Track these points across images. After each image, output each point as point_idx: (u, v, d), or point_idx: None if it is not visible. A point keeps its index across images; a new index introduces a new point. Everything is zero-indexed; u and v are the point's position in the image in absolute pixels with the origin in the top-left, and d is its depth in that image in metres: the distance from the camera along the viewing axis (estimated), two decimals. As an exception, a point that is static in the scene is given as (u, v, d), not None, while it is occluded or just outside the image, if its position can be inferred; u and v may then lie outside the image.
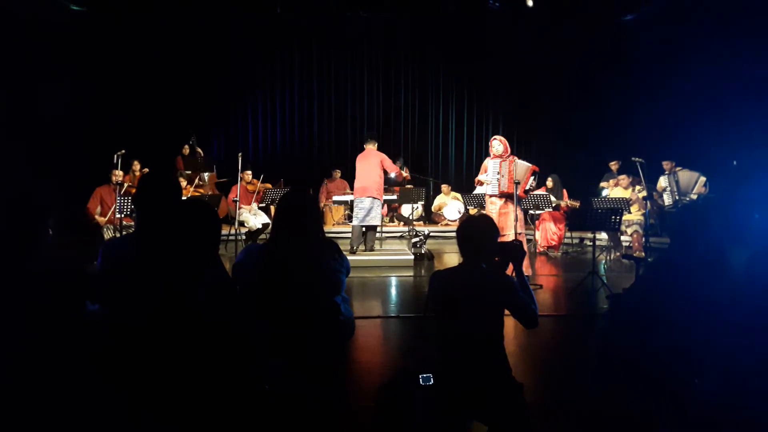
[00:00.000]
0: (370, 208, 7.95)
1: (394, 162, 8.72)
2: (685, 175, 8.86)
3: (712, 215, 2.35)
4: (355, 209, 8.07)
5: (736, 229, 2.41)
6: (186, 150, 10.50)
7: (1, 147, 8.00)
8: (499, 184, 6.48)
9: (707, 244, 2.30)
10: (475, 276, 2.51)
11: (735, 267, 2.27)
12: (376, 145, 8.32)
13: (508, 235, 6.32)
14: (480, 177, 6.77)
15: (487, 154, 6.83)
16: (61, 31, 9.95)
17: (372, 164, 8.06)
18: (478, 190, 9.35)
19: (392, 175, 9.80)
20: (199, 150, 10.69)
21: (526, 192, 6.61)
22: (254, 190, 9.44)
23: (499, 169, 6.47)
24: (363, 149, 8.34)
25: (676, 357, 2.25)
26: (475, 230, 2.55)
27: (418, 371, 2.43)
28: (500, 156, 6.54)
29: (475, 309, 2.44)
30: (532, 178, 6.53)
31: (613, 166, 9.71)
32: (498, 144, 6.58)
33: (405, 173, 8.77)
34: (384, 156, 8.20)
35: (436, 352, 2.54)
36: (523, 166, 6.48)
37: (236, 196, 8.51)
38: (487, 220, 2.63)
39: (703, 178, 8.71)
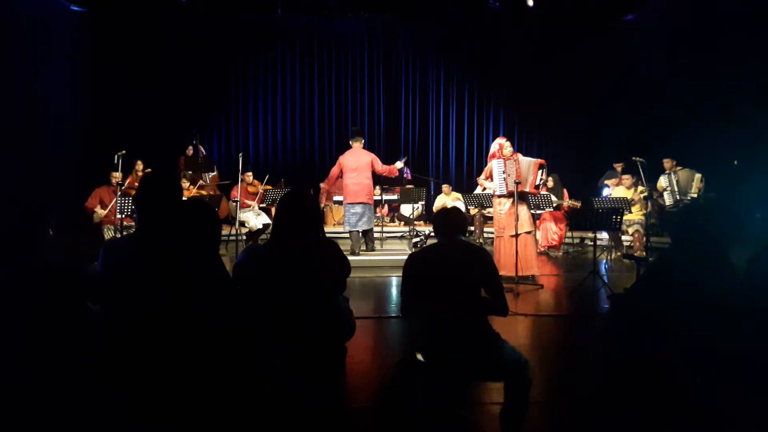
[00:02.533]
0: (362, 213, 7.73)
1: (399, 160, 8.47)
2: (684, 175, 8.88)
3: (715, 215, 2.34)
4: (347, 214, 7.83)
5: (738, 228, 2.41)
6: (190, 151, 10.50)
7: (2, 147, 8.00)
8: (506, 184, 6.38)
9: (709, 244, 2.30)
10: (457, 250, 2.69)
11: (737, 266, 2.26)
12: (363, 141, 8.06)
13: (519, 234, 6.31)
14: (484, 182, 6.71)
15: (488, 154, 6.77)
16: (61, 31, 9.96)
17: (362, 167, 7.75)
18: (480, 190, 9.33)
19: (398, 166, 9.60)
20: (202, 149, 10.69)
21: (536, 187, 6.47)
22: (255, 191, 9.44)
23: (505, 168, 6.38)
24: (351, 146, 8.02)
25: (678, 356, 2.24)
26: (451, 212, 2.82)
27: (414, 358, 2.53)
28: (506, 156, 6.45)
29: (459, 281, 2.58)
30: (540, 171, 6.44)
31: (618, 167, 9.70)
32: (509, 145, 6.47)
33: (398, 165, 8.34)
34: (374, 156, 7.92)
35: (421, 330, 2.68)
36: (527, 161, 6.40)
37: (237, 197, 8.53)
38: (458, 210, 2.92)
39: (698, 175, 8.74)
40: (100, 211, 7.82)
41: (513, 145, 6.86)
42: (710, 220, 2.33)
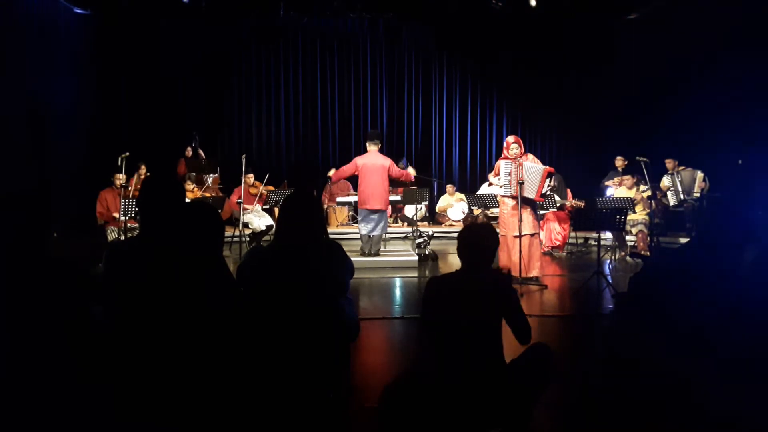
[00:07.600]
0: (379, 220, 7.69)
1: (397, 163, 8.42)
2: (686, 174, 8.88)
3: (728, 214, 2.34)
4: (365, 220, 7.71)
5: (749, 228, 2.40)
6: (189, 152, 10.49)
7: (7, 149, 8.02)
8: (510, 185, 6.38)
9: (723, 243, 2.29)
10: (478, 281, 2.53)
11: (744, 263, 2.26)
12: (380, 145, 7.97)
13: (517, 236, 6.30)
14: (493, 180, 6.74)
15: (493, 154, 6.80)
16: (64, 33, 9.98)
17: (380, 173, 7.63)
18: (486, 189, 9.31)
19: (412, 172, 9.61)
20: (201, 152, 10.69)
21: (542, 195, 6.47)
22: (256, 193, 9.44)
23: (511, 170, 6.35)
24: (366, 150, 7.91)
25: (682, 353, 2.23)
26: (479, 237, 2.57)
27: (421, 372, 2.44)
28: (510, 157, 6.42)
29: (475, 314, 2.46)
30: (548, 180, 6.41)
31: (619, 162, 9.68)
32: (516, 147, 6.42)
33: (411, 171, 8.31)
34: (391, 162, 7.83)
35: (433, 356, 2.55)
36: (534, 169, 6.31)
37: (240, 198, 8.52)
38: (490, 228, 2.67)
39: (700, 174, 8.76)
40: (116, 215, 7.74)
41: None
42: (724, 219, 2.33)
